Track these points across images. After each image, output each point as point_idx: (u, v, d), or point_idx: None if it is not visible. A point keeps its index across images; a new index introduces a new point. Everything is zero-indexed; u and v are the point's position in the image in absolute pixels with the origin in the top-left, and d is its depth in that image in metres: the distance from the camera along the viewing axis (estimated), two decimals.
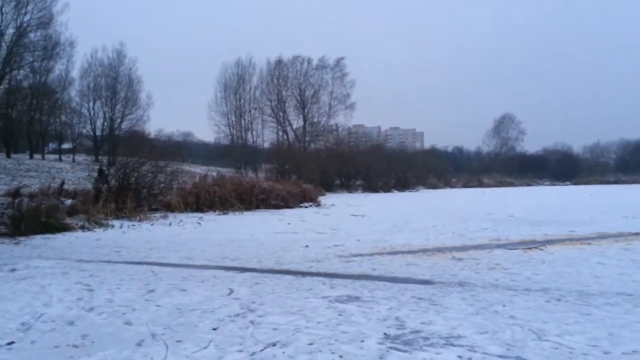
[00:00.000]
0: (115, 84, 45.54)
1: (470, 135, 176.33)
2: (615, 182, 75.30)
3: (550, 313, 5.31)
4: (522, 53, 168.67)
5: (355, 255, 9.65)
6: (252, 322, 5.12)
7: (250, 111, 61.78)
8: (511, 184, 71.29)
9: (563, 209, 22.20)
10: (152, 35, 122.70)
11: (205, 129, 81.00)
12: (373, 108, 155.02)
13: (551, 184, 77.16)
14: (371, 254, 9.78)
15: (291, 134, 63.32)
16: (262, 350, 4.26)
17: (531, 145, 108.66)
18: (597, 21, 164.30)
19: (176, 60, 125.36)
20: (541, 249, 10.01)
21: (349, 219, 18.35)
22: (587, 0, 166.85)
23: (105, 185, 20.31)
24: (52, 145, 49.13)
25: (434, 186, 62.38)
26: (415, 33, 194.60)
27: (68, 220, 15.35)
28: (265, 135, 63.60)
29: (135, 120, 46.04)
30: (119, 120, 45.75)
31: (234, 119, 60.99)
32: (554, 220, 16.34)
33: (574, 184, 76.28)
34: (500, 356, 4.06)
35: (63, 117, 44.22)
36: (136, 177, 21.25)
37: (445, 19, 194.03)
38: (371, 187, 50.97)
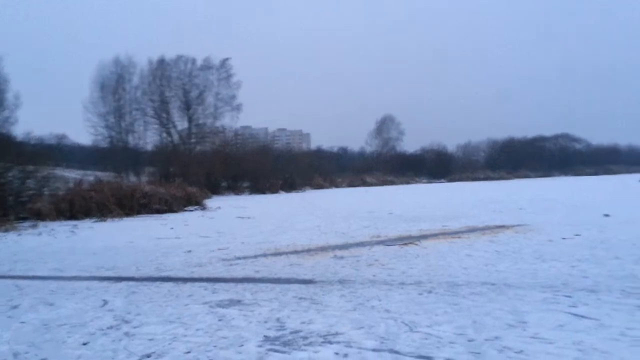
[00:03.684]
0: None
1: (354, 135, 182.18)
2: (485, 178, 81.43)
3: (422, 305, 5.62)
4: (399, 54, 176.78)
5: (239, 258, 9.57)
6: (126, 334, 4.89)
7: (131, 112, 58.89)
8: (392, 182, 74.52)
9: (438, 205, 23.59)
10: (21, 31, 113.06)
11: (82, 130, 75.85)
12: (260, 110, 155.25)
13: (428, 182, 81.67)
14: (255, 256, 9.75)
15: (176, 136, 61.27)
16: None
17: (410, 144, 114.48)
18: (471, 25, 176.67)
19: (48, 58, 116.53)
20: (416, 244, 10.56)
21: (235, 222, 18.17)
22: (462, 4, 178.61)
23: None
24: None
25: (320, 186, 63.57)
26: (302, 35, 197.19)
27: None
28: (148, 137, 60.95)
29: (0, 122, 42.13)
30: None
31: (113, 120, 57.84)
32: (429, 216, 17.32)
33: (449, 181, 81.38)
34: (375, 350, 4.21)
35: None
36: (1, 183, 19.50)
37: (328, 21, 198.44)
38: (258, 188, 50.90)
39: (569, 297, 5.80)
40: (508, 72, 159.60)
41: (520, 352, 4.06)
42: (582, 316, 4.99)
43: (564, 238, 10.76)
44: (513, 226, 13.39)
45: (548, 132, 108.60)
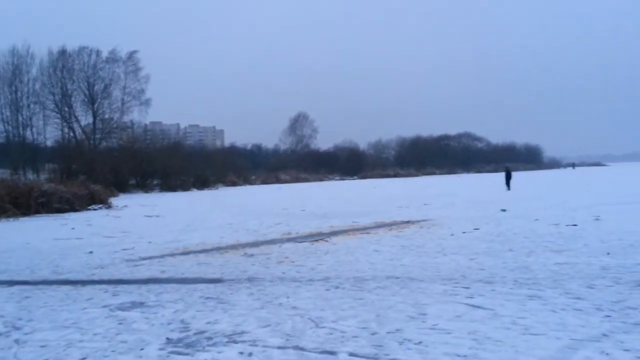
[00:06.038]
0: None
1: (268, 132, 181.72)
2: (395, 175, 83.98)
3: (329, 301, 5.69)
4: (313, 53, 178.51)
5: (145, 259, 9.25)
6: (16, 341, 4.58)
7: (29, 105, 55.12)
8: (306, 180, 75.02)
9: (349, 202, 24.07)
10: None
11: None
12: (171, 105, 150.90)
13: (341, 179, 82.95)
14: (162, 256, 9.46)
15: (79, 131, 58.11)
16: None
17: (324, 142, 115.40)
18: (382, 25, 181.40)
19: None
20: (326, 241, 10.70)
21: (142, 221, 17.56)
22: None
23: None
24: None
25: (234, 184, 62.79)
26: (216, 30, 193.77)
27: None
28: (49, 133, 57.26)
29: None
30: None
31: (9, 113, 53.92)
32: (340, 213, 17.62)
33: (360, 178, 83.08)
34: (280, 347, 4.21)
35: None
36: None
37: (242, 17, 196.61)
38: (169, 186, 49.48)
39: (467, 288, 6.10)
40: (416, 71, 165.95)
41: (420, 343, 4.20)
42: (478, 307, 5.25)
43: (464, 232, 11.31)
44: (418, 221, 13.92)
45: (452, 130, 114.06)
